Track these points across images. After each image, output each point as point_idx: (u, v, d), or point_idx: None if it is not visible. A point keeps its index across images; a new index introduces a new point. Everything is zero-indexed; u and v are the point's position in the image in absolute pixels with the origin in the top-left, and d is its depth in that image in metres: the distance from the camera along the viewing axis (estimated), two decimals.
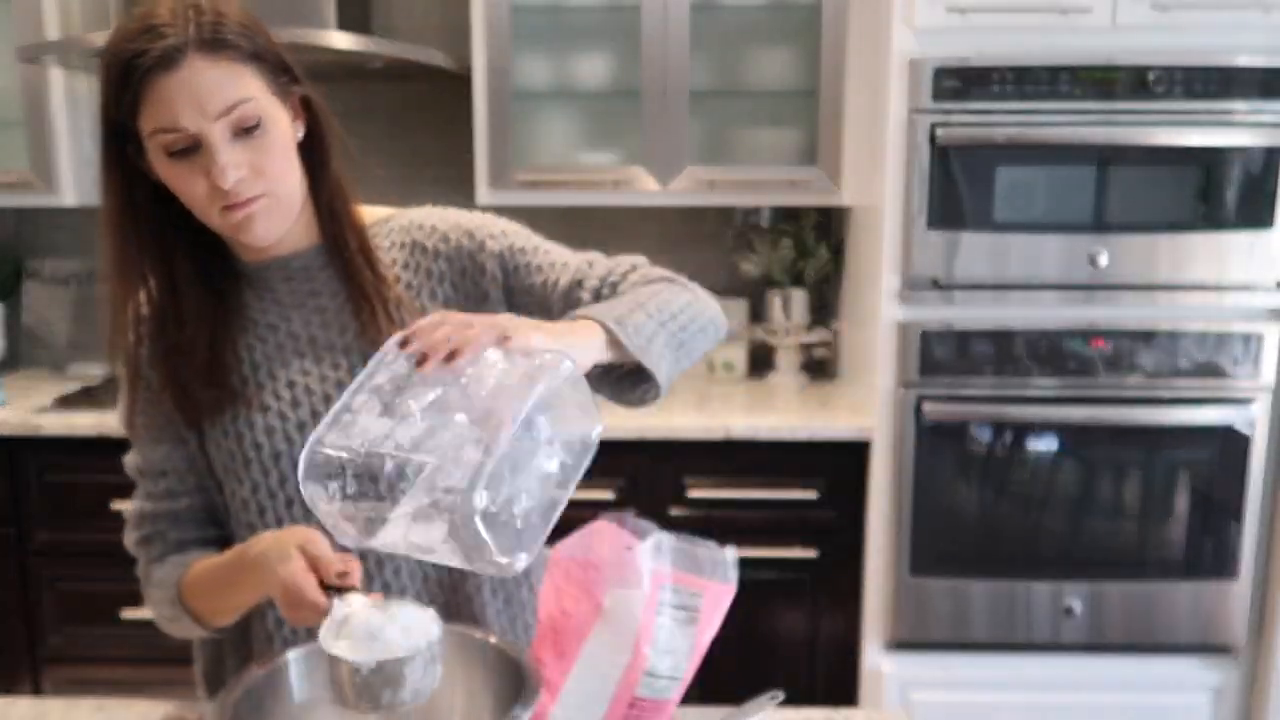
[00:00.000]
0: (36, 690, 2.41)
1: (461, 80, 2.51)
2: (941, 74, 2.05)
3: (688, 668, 0.98)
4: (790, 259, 2.65)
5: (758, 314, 2.77)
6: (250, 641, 1.14)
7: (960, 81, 2.05)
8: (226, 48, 0.98)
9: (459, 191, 2.65)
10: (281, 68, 1.04)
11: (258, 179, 1.00)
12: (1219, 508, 2.20)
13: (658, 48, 2.39)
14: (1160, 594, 2.22)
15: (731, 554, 0.99)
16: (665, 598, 0.96)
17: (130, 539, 1.16)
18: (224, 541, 1.14)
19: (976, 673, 2.26)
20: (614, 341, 0.93)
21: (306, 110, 1.07)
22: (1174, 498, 2.20)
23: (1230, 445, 2.17)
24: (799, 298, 2.66)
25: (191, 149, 0.98)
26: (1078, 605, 2.22)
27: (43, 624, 2.38)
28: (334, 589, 0.87)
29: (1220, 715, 2.27)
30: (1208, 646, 2.25)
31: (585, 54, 2.48)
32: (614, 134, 2.51)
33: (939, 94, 2.06)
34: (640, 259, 1.15)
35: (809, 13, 2.41)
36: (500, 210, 2.48)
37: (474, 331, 0.84)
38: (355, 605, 0.84)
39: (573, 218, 2.75)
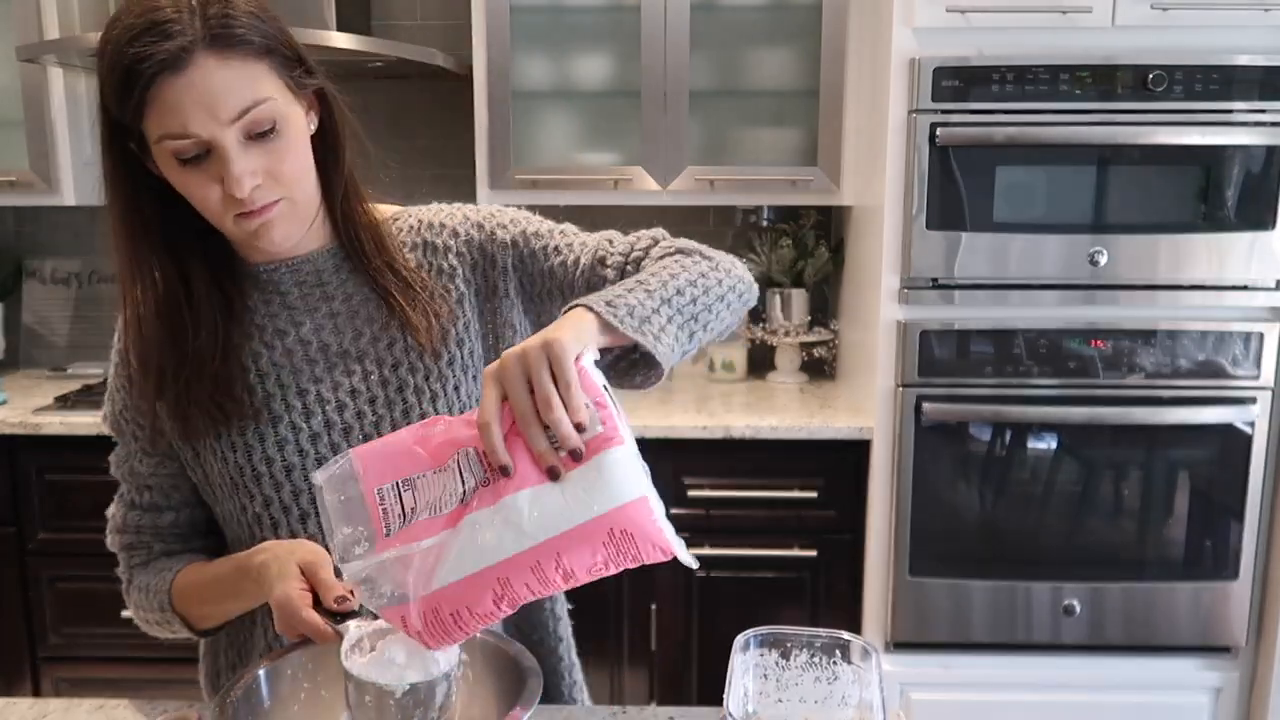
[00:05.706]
0: (36, 690, 2.41)
1: (461, 80, 2.51)
2: (941, 74, 2.05)
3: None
4: (790, 259, 2.65)
5: (758, 314, 2.77)
6: (252, 649, 1.11)
7: (960, 81, 2.05)
8: (238, 44, 0.89)
9: (459, 191, 2.65)
10: (296, 60, 0.96)
11: (274, 184, 0.94)
12: (1219, 507, 2.20)
13: (658, 48, 2.39)
14: (1160, 594, 2.22)
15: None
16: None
17: (112, 540, 1.14)
18: (214, 549, 1.12)
19: (976, 673, 2.26)
20: (607, 326, 0.85)
21: (320, 103, 1.01)
22: (1174, 497, 2.20)
23: (1230, 445, 2.17)
24: (799, 298, 2.66)
25: (203, 155, 0.90)
26: (1078, 605, 2.21)
27: (43, 624, 2.38)
28: (332, 613, 0.86)
29: (1220, 715, 2.27)
30: (1208, 646, 2.25)
31: (585, 54, 2.48)
32: (614, 134, 2.51)
33: (939, 94, 2.05)
34: (660, 232, 1.09)
35: (809, 13, 2.41)
36: None
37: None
38: (362, 629, 0.83)
39: (573, 218, 2.75)
